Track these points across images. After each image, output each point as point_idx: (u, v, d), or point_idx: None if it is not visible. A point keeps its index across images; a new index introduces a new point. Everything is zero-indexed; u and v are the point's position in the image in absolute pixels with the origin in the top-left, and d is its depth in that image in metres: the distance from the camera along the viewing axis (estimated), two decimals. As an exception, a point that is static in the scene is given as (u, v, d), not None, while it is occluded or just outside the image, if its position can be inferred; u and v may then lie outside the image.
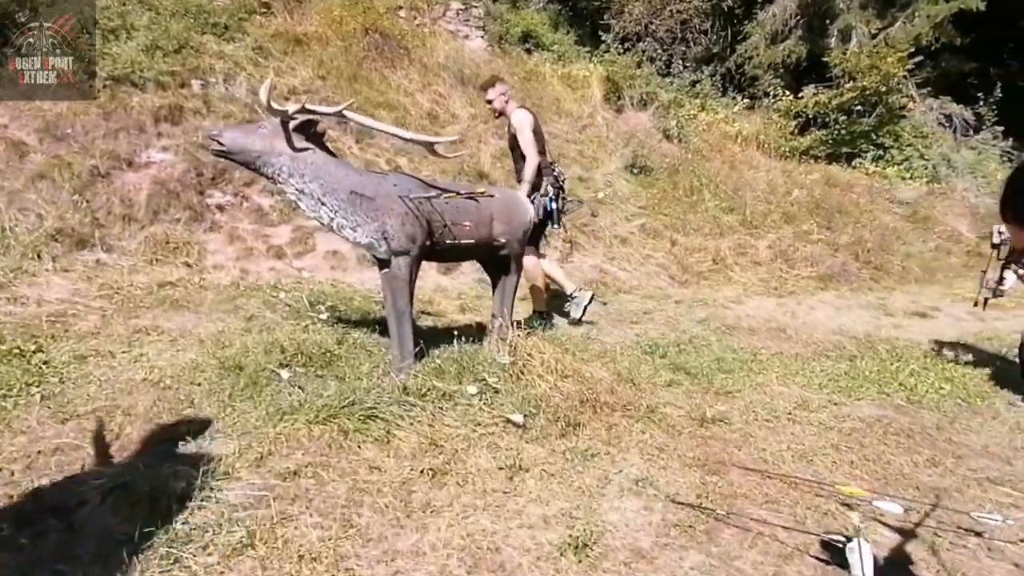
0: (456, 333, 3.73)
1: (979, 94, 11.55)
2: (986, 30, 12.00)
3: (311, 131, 2.94)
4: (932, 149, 10.85)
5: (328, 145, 3.08)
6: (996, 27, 12.25)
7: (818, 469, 2.52)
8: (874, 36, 11.53)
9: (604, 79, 10.67)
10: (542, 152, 4.19)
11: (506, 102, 4.28)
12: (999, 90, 11.28)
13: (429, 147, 3.04)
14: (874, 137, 11.04)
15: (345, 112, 2.91)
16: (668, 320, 4.91)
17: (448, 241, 3.16)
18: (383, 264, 3.13)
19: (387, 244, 3.00)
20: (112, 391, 2.70)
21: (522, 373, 3.11)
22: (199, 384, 2.81)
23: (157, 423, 2.43)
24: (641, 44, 12.99)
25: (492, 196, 3.29)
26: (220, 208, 5.92)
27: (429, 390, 2.82)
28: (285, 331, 3.55)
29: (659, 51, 13.16)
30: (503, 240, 3.41)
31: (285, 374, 2.82)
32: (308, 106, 2.86)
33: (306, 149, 2.90)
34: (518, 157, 4.20)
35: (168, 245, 5.19)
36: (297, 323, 3.75)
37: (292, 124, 2.87)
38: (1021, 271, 3.33)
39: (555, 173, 4.29)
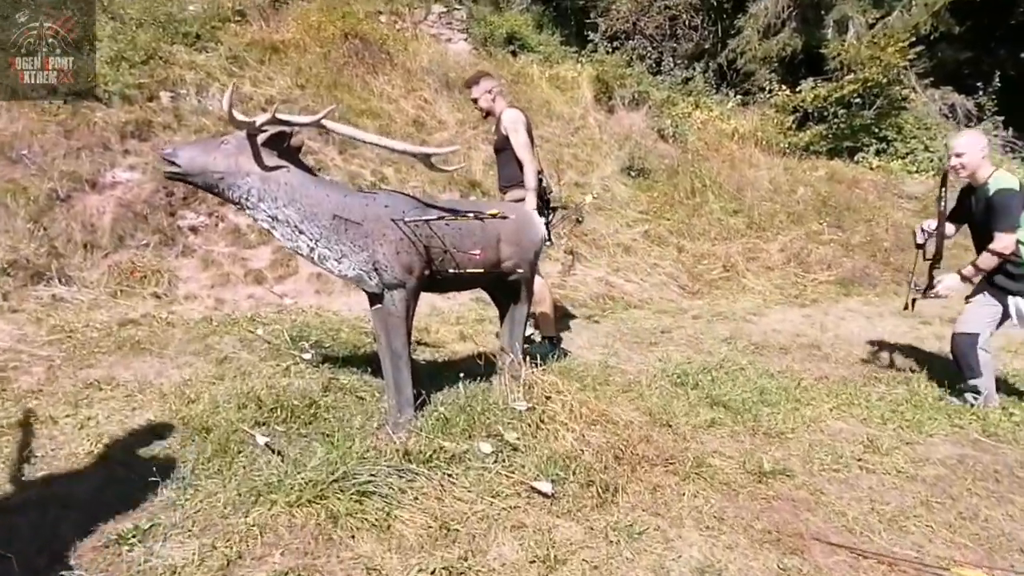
0: (459, 370, 3.26)
1: (978, 84, 11.26)
2: (981, 18, 11.75)
3: (284, 146, 2.47)
4: (937, 140, 10.52)
5: (305, 162, 2.60)
6: (991, 15, 12.01)
7: (916, 539, 2.07)
8: (871, 26, 11.21)
9: (594, 79, 10.28)
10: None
11: (493, 100, 3.81)
12: (997, 79, 10.99)
13: (424, 159, 2.58)
14: (876, 130, 10.70)
15: (325, 122, 2.44)
16: (689, 340, 4.46)
17: (451, 270, 2.69)
18: (374, 299, 2.66)
19: (379, 276, 2.53)
20: (48, 472, 2.21)
21: (542, 422, 2.65)
22: (156, 456, 2.33)
23: (98, 519, 1.94)
24: (631, 42, 12.62)
25: (507, 217, 2.82)
26: (193, 230, 5.42)
27: (435, 452, 2.35)
28: (263, 377, 3.07)
29: (649, 49, 12.78)
30: (512, 264, 2.95)
31: (261, 438, 2.33)
32: (280, 115, 2.39)
33: (279, 168, 2.43)
34: (505, 161, 3.72)
35: (135, 274, 4.68)
36: (277, 365, 3.27)
37: (261, 138, 2.40)
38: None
39: (542, 184, 3.83)
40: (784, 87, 11.69)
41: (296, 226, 2.42)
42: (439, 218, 2.57)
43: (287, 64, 7.58)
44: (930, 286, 3.37)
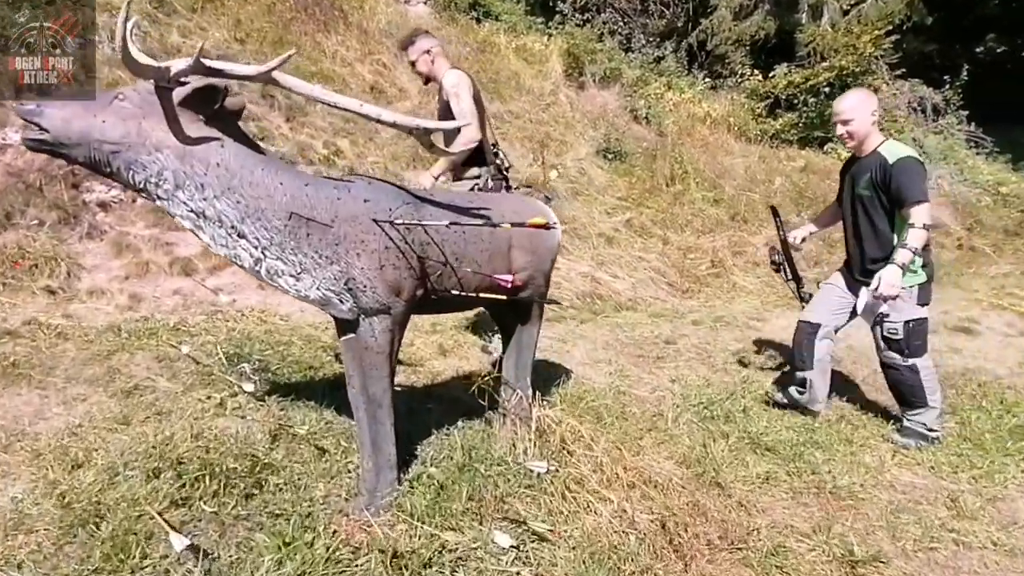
0: (446, 401, 2.61)
1: (945, 77, 11.24)
2: (949, 9, 11.72)
3: (216, 108, 1.68)
4: (904, 134, 10.44)
5: (247, 134, 1.82)
6: (959, 7, 12.01)
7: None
8: (846, 12, 10.96)
9: (564, 53, 9.60)
10: (482, 128, 3.08)
11: (432, 62, 3.13)
12: (965, 73, 10.99)
13: (422, 136, 1.84)
14: (846, 121, 10.50)
15: (279, 75, 1.66)
16: (698, 352, 3.93)
17: (451, 289, 1.99)
18: (346, 327, 1.93)
19: (354, 299, 1.81)
20: None
21: (568, 489, 2.02)
22: (18, 565, 1.56)
23: None
24: (601, 16, 11.95)
25: (550, 227, 2.13)
26: (103, 206, 4.44)
27: (436, 552, 1.68)
28: (186, 418, 2.30)
29: (620, 24, 12.17)
30: (526, 276, 2.28)
31: (179, 541, 1.59)
32: (209, 62, 1.61)
33: (207, 140, 1.65)
34: (452, 134, 3.04)
35: (22, 263, 3.73)
36: (207, 398, 2.49)
37: (179, 94, 1.61)
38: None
39: (498, 159, 3.21)
40: (757, 72, 11.34)
41: (233, 227, 1.66)
42: (449, 224, 1.86)
43: (224, 15, 6.53)
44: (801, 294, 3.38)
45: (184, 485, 1.87)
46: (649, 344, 4.00)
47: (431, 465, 2.12)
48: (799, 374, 2.99)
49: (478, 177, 3.11)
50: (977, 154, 11.00)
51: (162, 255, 4.22)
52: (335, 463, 2.13)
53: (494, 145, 3.25)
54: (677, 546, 1.88)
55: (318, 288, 1.77)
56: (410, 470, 2.09)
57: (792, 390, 3.02)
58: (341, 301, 1.81)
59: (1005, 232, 8.89)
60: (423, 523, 1.79)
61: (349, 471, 2.09)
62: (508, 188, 3.26)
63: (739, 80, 11.58)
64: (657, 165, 7.91)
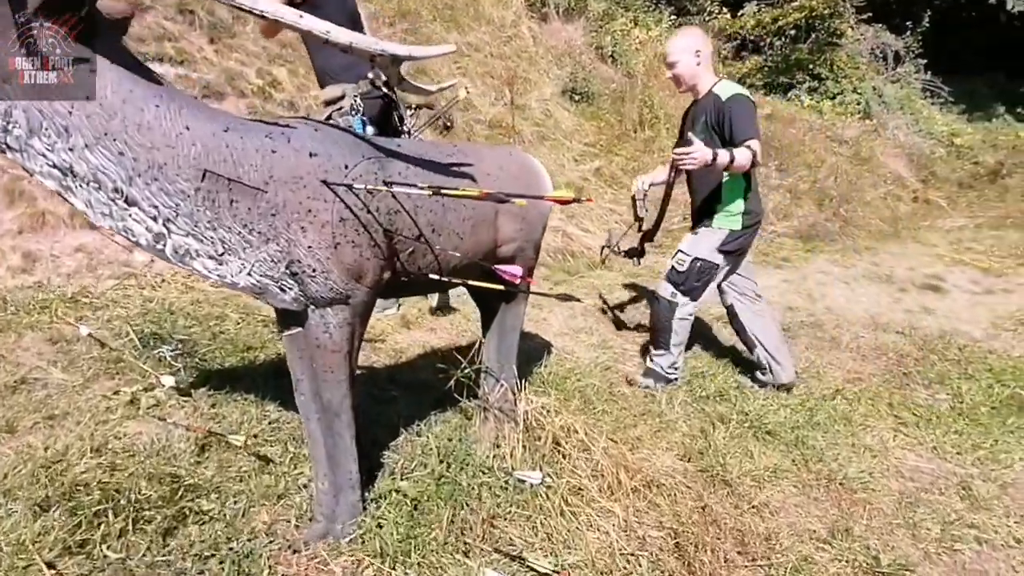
0: (414, 390, 2.25)
1: (907, 23, 11.09)
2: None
3: (84, 17, 1.16)
4: (865, 82, 10.31)
5: (137, 57, 1.30)
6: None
7: None
8: (817, -52, 10.48)
9: (524, -22, 8.81)
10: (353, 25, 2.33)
11: None
12: (927, 20, 10.86)
13: (389, 65, 1.36)
14: (810, 67, 10.26)
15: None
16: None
17: (427, 270, 1.58)
18: (289, 318, 1.50)
19: (299, 287, 1.37)
20: None
21: (566, 503, 1.71)
22: None
23: None
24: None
25: (581, 201, 1.72)
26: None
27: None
28: (85, 423, 1.84)
29: (582, -51, 11.30)
30: (515, 248, 1.87)
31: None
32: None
33: (78, 61, 1.14)
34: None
35: None
36: (114, 395, 2.02)
37: (29, -5, 1.08)
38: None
39: (372, 72, 2.38)
40: (725, 10, 10.85)
41: (118, 190, 1.18)
42: (430, 189, 1.41)
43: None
44: (638, 251, 3.12)
45: (80, 524, 1.44)
46: (630, 309, 3.70)
47: (401, 477, 1.76)
48: (758, 359, 2.76)
49: (340, 99, 2.31)
50: (932, 103, 11.04)
51: (61, 204, 3.55)
52: (282, 477, 1.74)
53: (374, 57, 2.41)
54: (693, 569, 1.62)
55: (249, 274, 1.33)
56: (375, 484, 1.72)
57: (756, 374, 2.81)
58: (282, 289, 1.38)
59: (959, 185, 9.01)
60: (396, 562, 1.45)
61: (300, 487, 1.71)
62: (393, 111, 2.49)
63: (707, 18, 11.07)
64: (626, 109, 7.46)
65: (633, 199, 2.89)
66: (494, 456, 1.87)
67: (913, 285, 4.83)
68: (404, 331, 2.89)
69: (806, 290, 4.50)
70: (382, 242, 1.44)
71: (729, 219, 2.56)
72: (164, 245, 1.26)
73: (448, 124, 5.09)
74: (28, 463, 1.60)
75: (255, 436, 1.90)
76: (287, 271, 1.35)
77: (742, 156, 2.29)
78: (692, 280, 2.61)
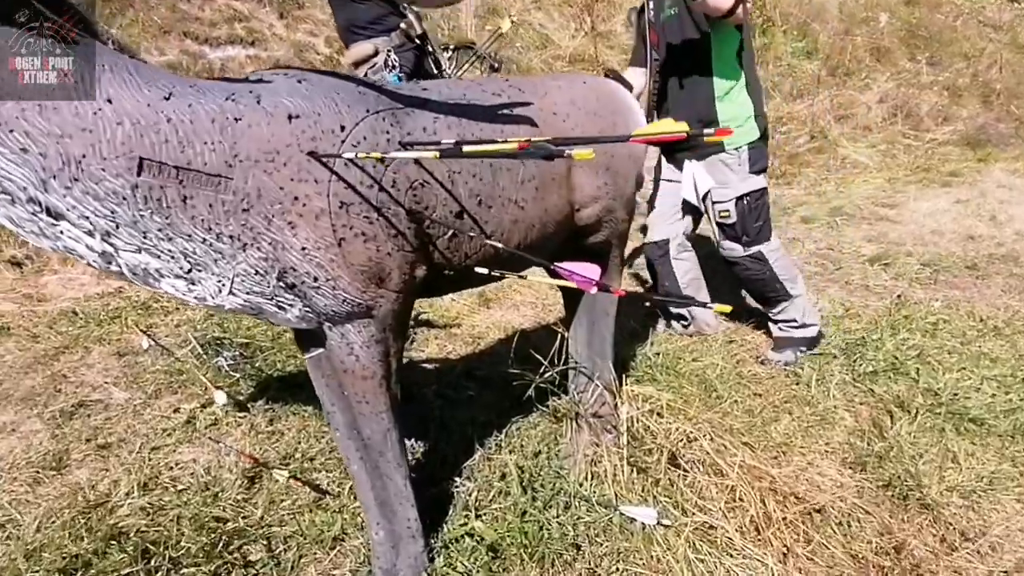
0: (494, 382, 1.88)
1: None
2: None
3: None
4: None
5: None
6: None
7: None
8: None
9: None
10: None
11: None
12: None
13: None
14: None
15: None
16: (820, 263, 2.98)
17: (473, 256, 1.16)
18: (308, 339, 1.16)
19: (302, 301, 1.02)
20: None
21: (694, 548, 1.28)
22: None
23: None
24: None
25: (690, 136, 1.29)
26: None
27: None
28: (138, 455, 1.66)
29: None
30: (600, 210, 1.40)
31: None
32: None
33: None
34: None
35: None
36: (174, 413, 1.84)
37: None
38: None
39: (403, 21, 2.00)
40: None
41: (33, 199, 0.86)
42: (456, 147, 0.96)
43: None
44: None
45: (122, 568, 1.24)
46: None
47: (476, 513, 1.40)
48: (673, 310, 2.35)
49: (371, 56, 1.98)
50: None
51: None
52: (339, 513, 1.45)
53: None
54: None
55: (232, 292, 0.98)
56: (444, 524, 1.39)
57: (676, 326, 2.35)
58: (281, 307, 1.03)
59: None
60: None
61: (359, 526, 1.42)
62: (428, 63, 2.10)
63: None
64: (730, 17, 6.43)
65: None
66: (591, 480, 1.47)
67: None
68: (483, 311, 2.53)
69: (987, 211, 3.55)
70: (406, 229, 1.04)
71: (740, 130, 1.99)
72: (117, 265, 0.94)
73: (495, 66, 4.55)
74: (68, 511, 1.43)
75: (311, 459, 1.63)
76: (280, 284, 0.99)
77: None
78: (751, 223, 2.07)
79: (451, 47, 2.04)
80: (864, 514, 1.43)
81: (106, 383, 1.99)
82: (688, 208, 2.20)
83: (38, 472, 1.60)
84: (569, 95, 1.37)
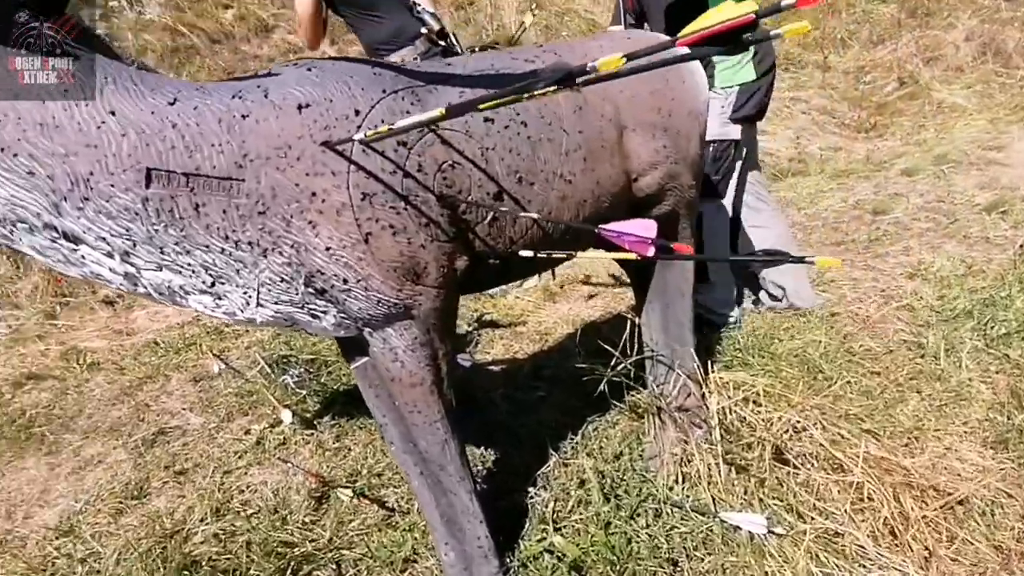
0: (564, 380, 1.75)
1: None
2: None
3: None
4: None
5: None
6: None
7: None
8: None
9: None
10: None
11: None
12: None
13: None
14: None
15: None
16: (931, 217, 2.62)
17: (519, 240, 1.04)
18: (351, 347, 1.08)
19: (336, 307, 0.93)
20: None
21: (817, 562, 1.08)
22: None
23: None
24: None
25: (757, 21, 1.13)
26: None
27: None
28: (211, 479, 1.65)
29: None
30: (660, 177, 1.23)
31: None
32: None
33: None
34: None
35: (62, 280, 3.31)
36: (245, 435, 1.84)
37: None
38: None
39: (422, 27, 1.87)
40: None
41: (49, 225, 0.81)
42: (481, 102, 0.83)
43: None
44: None
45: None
46: (848, 220, 2.75)
47: (555, 526, 1.27)
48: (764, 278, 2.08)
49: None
50: None
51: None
52: (408, 532, 1.36)
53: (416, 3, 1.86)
54: None
55: (260, 304, 0.91)
56: (520, 540, 1.26)
57: (766, 299, 2.10)
58: (314, 315, 0.94)
59: None
60: None
61: (430, 546, 1.32)
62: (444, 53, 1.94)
63: None
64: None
65: None
66: (683, 483, 1.30)
67: None
68: (549, 305, 2.39)
69: None
70: (439, 216, 0.93)
71: (732, 68, 1.78)
72: (143, 287, 0.89)
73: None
74: (146, 541, 1.43)
75: (378, 475, 1.56)
76: (309, 289, 0.90)
77: None
78: (709, 173, 1.85)
79: (475, 48, 1.93)
80: (1007, 498, 1.18)
81: (183, 409, 2.02)
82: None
83: (121, 502, 1.62)
84: (612, 53, 1.21)
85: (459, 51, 1.93)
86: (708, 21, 0.68)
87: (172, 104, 0.83)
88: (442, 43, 1.93)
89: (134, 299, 3.18)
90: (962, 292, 1.96)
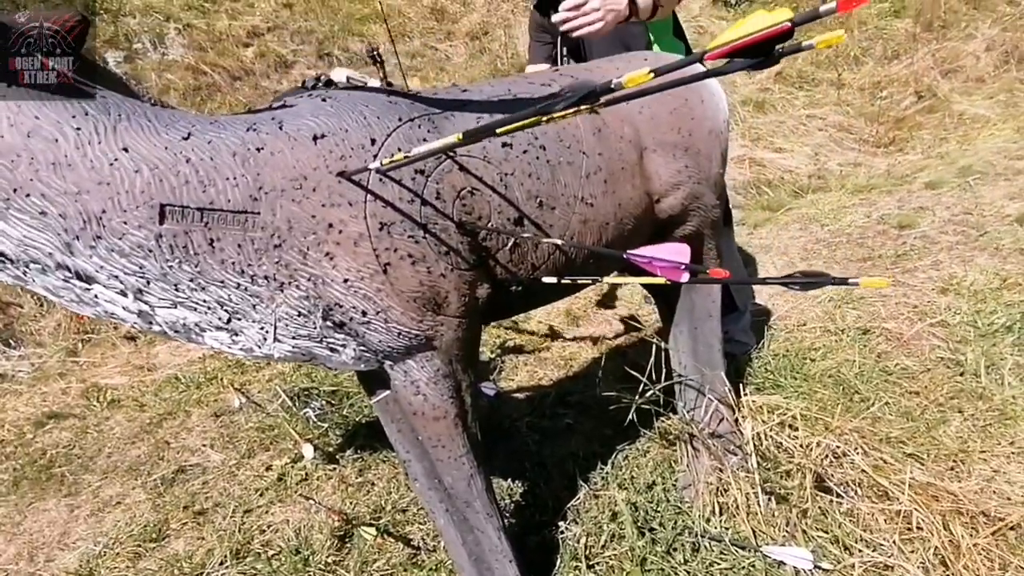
0: (591, 408, 1.70)
1: None
2: None
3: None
4: None
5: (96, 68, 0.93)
6: None
7: None
8: None
9: None
10: None
11: None
12: None
13: None
14: None
15: None
16: (960, 231, 2.55)
17: (541, 266, 1.01)
18: (372, 380, 1.05)
19: (355, 340, 0.90)
20: None
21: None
22: None
23: None
24: None
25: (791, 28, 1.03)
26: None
27: None
28: (231, 518, 1.62)
29: None
30: (682, 198, 1.20)
31: None
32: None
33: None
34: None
35: (82, 318, 3.35)
36: (266, 471, 1.80)
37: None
38: None
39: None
40: None
41: (61, 265, 0.80)
42: (498, 126, 0.81)
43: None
44: None
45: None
46: (874, 235, 2.68)
47: (588, 563, 1.21)
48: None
49: None
50: None
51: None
52: (433, 572, 1.31)
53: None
54: None
55: (277, 339, 0.88)
56: (553, 579, 1.20)
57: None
58: (333, 349, 0.91)
59: None
60: None
61: (455, 584, 1.27)
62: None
63: None
64: (799, -11, 5.98)
65: None
66: (720, 514, 1.23)
67: None
68: (572, 328, 2.34)
69: None
70: (458, 244, 0.90)
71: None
72: (157, 325, 0.87)
73: None
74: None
75: (403, 511, 1.51)
76: (327, 323, 0.88)
77: None
78: None
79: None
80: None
81: (203, 446, 2.00)
82: None
83: (139, 545, 1.59)
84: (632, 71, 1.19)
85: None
86: (737, 32, 0.63)
87: (186, 139, 0.82)
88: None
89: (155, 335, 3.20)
90: (998, 306, 1.89)
